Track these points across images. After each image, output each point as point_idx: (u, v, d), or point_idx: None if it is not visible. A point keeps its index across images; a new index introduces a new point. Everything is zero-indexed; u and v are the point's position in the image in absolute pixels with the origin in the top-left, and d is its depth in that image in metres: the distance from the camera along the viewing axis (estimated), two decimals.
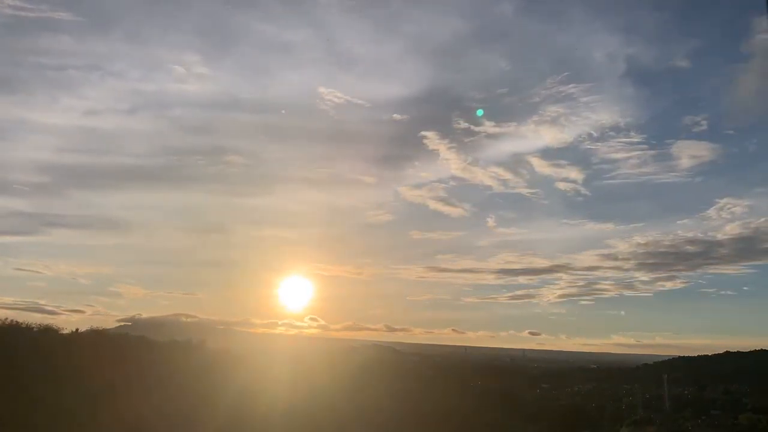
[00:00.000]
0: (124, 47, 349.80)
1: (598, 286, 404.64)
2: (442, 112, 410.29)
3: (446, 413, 60.35)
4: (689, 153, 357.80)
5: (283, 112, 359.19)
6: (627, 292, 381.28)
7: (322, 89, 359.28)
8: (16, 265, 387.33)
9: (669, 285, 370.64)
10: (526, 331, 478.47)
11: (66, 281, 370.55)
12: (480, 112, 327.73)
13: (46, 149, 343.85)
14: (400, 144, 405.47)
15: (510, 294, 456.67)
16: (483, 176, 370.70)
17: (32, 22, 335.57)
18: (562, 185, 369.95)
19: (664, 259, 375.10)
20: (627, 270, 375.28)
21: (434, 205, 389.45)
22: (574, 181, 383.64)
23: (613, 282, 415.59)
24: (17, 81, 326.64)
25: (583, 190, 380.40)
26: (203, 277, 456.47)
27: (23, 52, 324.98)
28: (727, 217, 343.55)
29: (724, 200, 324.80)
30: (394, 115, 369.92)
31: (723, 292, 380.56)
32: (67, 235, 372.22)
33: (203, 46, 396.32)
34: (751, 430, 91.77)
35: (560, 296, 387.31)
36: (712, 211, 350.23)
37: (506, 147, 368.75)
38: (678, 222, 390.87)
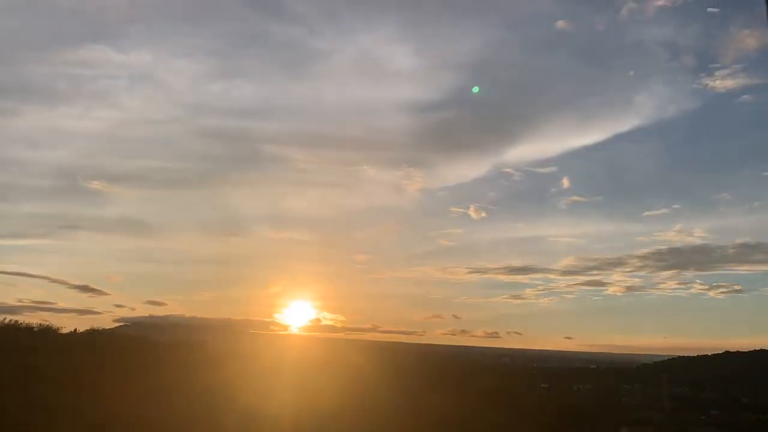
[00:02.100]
0: (156, 57, 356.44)
1: (600, 286, 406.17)
2: (461, 116, 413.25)
3: (445, 413, 60.32)
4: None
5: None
6: (629, 292, 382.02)
7: (348, 95, 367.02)
8: (32, 267, 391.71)
9: (671, 285, 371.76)
10: (528, 331, 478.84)
11: (73, 283, 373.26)
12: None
13: (75, 155, 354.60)
14: (419, 148, 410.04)
15: (512, 293, 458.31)
16: (499, 178, 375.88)
17: (69, 35, 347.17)
18: (575, 185, 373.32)
19: (667, 259, 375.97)
20: (629, 270, 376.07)
21: (451, 207, 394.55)
22: (588, 181, 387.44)
23: (614, 282, 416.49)
24: (54, 91, 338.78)
25: (597, 190, 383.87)
26: (212, 279, 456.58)
27: (61, 63, 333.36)
28: (728, 217, 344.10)
29: (724, 198, 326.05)
30: (414, 119, 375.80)
31: (723, 292, 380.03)
32: (89, 237, 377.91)
33: (231, 53, 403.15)
34: (751, 430, 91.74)
35: (561, 296, 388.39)
36: (714, 211, 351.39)
37: (525, 149, 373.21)
38: (680, 221, 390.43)
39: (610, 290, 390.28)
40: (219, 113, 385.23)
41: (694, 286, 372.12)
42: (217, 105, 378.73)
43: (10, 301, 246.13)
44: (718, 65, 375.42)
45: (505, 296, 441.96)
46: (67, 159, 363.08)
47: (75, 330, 79.82)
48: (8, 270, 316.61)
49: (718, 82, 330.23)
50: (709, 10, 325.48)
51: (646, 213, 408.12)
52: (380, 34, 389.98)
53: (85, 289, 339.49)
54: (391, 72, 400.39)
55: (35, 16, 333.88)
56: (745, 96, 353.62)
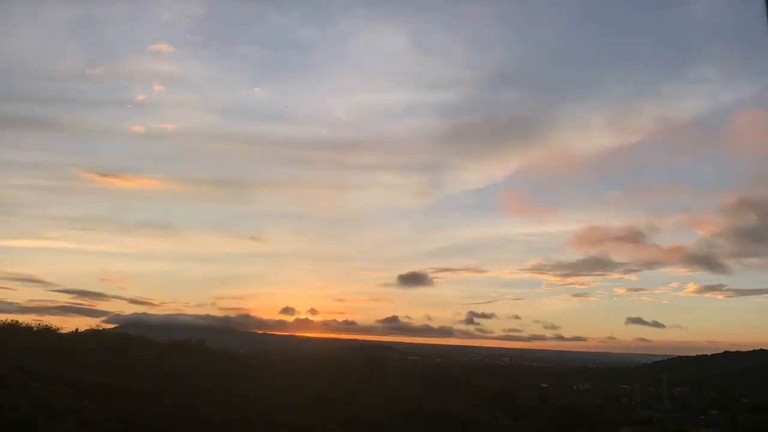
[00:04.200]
0: (187, 68, 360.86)
1: (601, 285, 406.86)
2: (485, 119, 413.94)
3: (446, 413, 60.36)
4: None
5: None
6: (629, 292, 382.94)
7: (365, 99, 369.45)
8: (44, 267, 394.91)
9: (672, 284, 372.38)
10: (529, 330, 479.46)
11: (75, 284, 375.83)
12: None
13: (95, 158, 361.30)
14: (440, 151, 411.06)
15: (514, 292, 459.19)
16: (519, 179, 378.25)
17: (101, 46, 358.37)
18: (586, 184, 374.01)
19: (669, 259, 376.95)
20: (630, 270, 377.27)
21: (467, 209, 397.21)
22: (590, 181, 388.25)
23: (616, 280, 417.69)
24: (100, 101, 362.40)
25: (610, 188, 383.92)
26: (217, 279, 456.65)
27: (95, 73, 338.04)
28: (729, 216, 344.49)
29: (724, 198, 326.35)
30: (437, 124, 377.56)
31: (723, 291, 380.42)
32: (101, 238, 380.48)
33: (257, 62, 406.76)
34: (751, 430, 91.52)
35: (561, 295, 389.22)
36: (715, 210, 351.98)
37: (547, 150, 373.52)
38: (683, 221, 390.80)
39: (613, 289, 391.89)
40: (242, 118, 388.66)
41: (695, 286, 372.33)
42: (241, 110, 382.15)
43: (11, 300, 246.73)
44: None
45: (508, 296, 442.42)
46: (86, 162, 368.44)
47: (76, 330, 79.88)
48: (10, 270, 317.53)
49: None
50: None
51: (649, 213, 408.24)
52: (402, 39, 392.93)
53: (85, 291, 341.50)
54: (413, 76, 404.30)
55: (69, 28, 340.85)
56: None
